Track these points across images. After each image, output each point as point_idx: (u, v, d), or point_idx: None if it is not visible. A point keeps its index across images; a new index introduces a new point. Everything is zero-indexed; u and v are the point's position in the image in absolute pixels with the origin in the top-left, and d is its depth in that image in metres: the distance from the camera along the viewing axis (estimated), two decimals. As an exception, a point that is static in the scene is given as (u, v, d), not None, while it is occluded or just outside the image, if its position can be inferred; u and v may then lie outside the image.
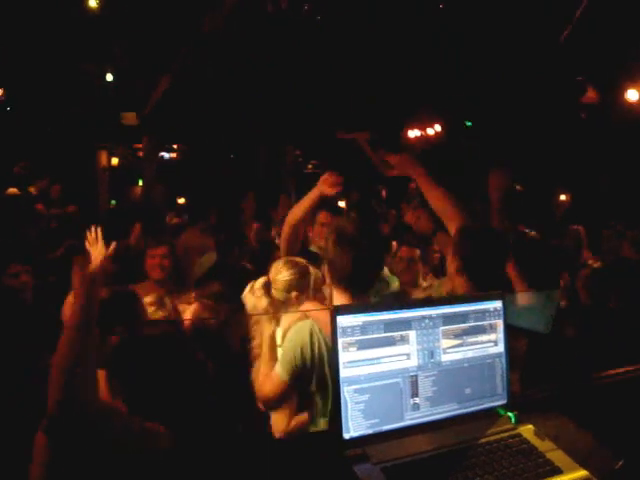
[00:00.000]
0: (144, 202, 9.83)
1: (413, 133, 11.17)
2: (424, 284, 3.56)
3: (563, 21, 6.10)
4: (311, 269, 2.48)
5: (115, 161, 11.75)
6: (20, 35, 8.10)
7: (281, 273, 2.41)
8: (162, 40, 8.03)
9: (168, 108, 9.16)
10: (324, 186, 2.76)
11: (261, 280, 2.42)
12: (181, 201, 13.21)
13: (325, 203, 3.36)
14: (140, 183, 11.78)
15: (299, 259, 2.55)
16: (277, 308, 2.38)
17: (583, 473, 1.25)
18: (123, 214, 8.81)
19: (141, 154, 11.23)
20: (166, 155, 13.66)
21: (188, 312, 2.66)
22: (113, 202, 11.91)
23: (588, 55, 6.19)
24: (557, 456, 1.30)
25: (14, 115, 10.00)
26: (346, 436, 1.27)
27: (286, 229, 2.92)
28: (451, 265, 2.17)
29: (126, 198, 12.25)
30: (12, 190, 8.20)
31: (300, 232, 3.02)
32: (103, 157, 11.38)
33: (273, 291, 2.39)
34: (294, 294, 2.37)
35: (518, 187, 10.66)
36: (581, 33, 6.00)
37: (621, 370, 1.65)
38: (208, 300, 2.83)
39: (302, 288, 2.39)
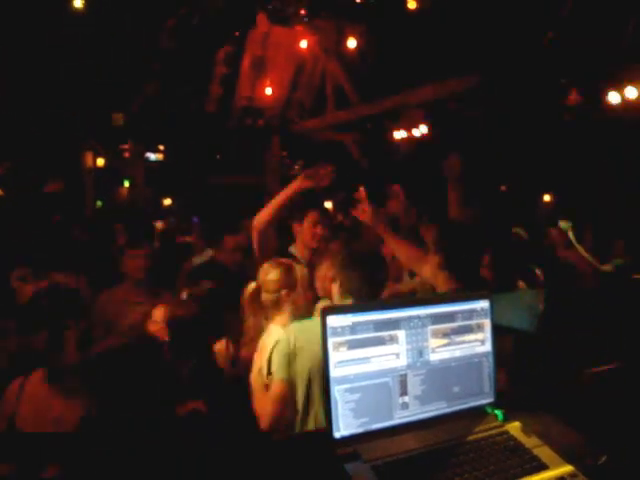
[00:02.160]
0: (130, 203, 9.78)
1: (399, 134, 11.21)
2: (407, 278, 3.58)
3: (547, 23, 6.18)
4: (297, 266, 2.54)
5: (101, 162, 11.66)
6: (6, 35, 8.01)
7: (268, 274, 2.47)
8: (149, 41, 8.00)
9: (154, 109, 9.12)
10: (304, 181, 2.81)
11: (251, 286, 2.48)
12: (167, 202, 13.15)
13: (313, 203, 3.39)
14: (126, 184, 11.71)
15: (282, 259, 2.60)
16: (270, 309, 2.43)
17: (568, 468, 1.27)
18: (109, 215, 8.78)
19: (127, 155, 11.16)
20: (152, 156, 13.57)
21: (157, 314, 2.64)
22: (99, 203, 11.82)
23: (572, 58, 6.28)
24: (543, 452, 1.33)
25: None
26: (337, 435, 1.28)
27: (255, 234, 2.96)
28: (433, 261, 2.23)
29: (112, 199, 12.18)
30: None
31: (271, 235, 3.04)
32: (89, 158, 11.28)
33: (263, 294, 2.44)
34: (284, 292, 2.44)
35: (503, 188, 10.80)
36: (565, 35, 6.08)
37: (605, 367, 1.69)
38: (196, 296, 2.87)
39: (290, 285, 2.46)
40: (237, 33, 8.50)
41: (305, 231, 3.37)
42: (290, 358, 2.11)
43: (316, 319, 2.19)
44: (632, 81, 6.00)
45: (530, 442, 1.36)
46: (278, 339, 2.22)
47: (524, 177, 9.49)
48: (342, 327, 1.31)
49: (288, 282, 2.45)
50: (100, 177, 11.62)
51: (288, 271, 2.48)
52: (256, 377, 2.29)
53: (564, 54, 6.20)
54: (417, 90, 8.11)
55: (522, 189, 9.85)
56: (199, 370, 2.29)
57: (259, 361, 2.32)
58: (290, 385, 2.12)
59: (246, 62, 8.99)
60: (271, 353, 2.21)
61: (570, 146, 7.98)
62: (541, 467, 1.28)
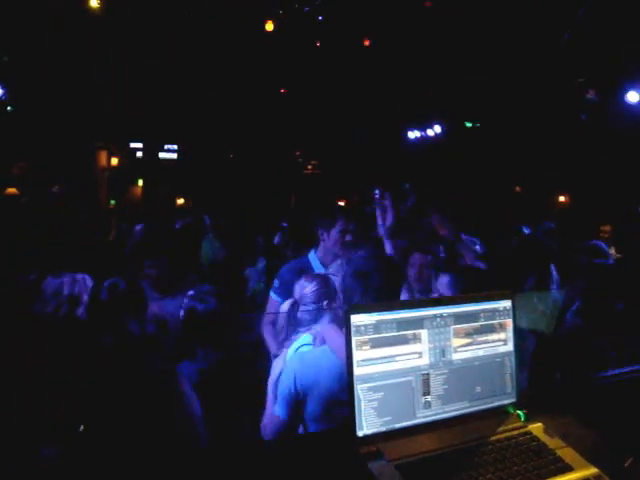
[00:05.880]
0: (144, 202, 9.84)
1: (413, 134, 11.20)
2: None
3: (564, 23, 6.13)
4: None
5: (115, 161, 11.75)
6: (22, 34, 8.09)
7: (306, 288, 2.48)
8: (163, 41, 8.05)
9: (168, 108, 9.17)
10: None
11: (287, 303, 2.47)
12: (180, 202, 13.21)
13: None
14: (140, 183, 11.79)
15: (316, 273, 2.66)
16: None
17: (593, 470, 1.26)
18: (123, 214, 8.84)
19: (141, 154, 11.23)
20: (165, 155, 13.63)
21: None
22: (113, 202, 11.91)
23: (589, 57, 6.22)
24: (567, 453, 1.31)
25: (14, 115, 9.98)
26: (360, 433, 1.28)
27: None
28: None
29: (126, 198, 12.26)
30: (11, 190, 8.20)
31: None
32: (103, 157, 11.38)
33: (302, 308, 2.44)
34: (325, 302, 2.44)
35: (517, 189, 10.74)
36: (582, 35, 6.03)
37: (629, 369, 1.67)
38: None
39: (330, 296, 2.46)
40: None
41: (333, 238, 3.36)
42: (295, 402, 1.96)
43: (318, 349, 2.08)
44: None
45: (553, 443, 1.35)
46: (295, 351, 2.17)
47: (539, 178, 9.43)
48: (365, 326, 1.30)
49: (327, 293, 2.46)
50: (114, 176, 11.72)
51: (325, 283, 2.50)
52: (271, 385, 2.17)
53: (582, 53, 6.15)
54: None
55: (536, 190, 9.78)
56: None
57: (278, 367, 2.21)
58: (291, 427, 1.99)
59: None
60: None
61: (587, 146, 7.91)
62: (565, 468, 1.27)
